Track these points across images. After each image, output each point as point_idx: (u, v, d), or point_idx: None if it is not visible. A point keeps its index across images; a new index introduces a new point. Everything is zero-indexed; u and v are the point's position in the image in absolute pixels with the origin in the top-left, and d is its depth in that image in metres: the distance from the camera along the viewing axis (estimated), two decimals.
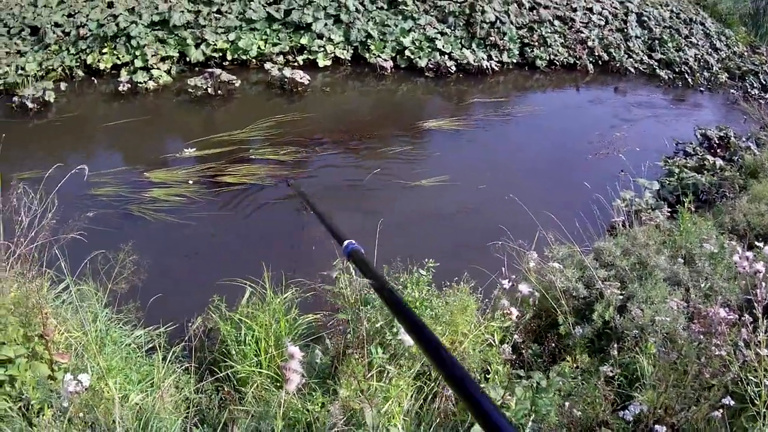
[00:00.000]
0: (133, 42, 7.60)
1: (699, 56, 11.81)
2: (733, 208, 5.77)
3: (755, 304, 2.68)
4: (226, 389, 2.85)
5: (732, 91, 11.52)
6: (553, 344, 3.38)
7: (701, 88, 11.18)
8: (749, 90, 11.90)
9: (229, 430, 2.54)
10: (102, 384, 2.54)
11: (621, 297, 3.43)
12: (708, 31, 13.42)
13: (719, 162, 7.59)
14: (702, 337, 2.77)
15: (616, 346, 3.09)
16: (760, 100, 11.81)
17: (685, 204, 4.95)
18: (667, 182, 6.87)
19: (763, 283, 2.80)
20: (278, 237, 4.97)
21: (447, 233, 5.13)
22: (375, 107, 7.62)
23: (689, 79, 11.05)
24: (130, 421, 2.40)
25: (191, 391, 2.84)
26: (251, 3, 8.22)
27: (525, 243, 3.80)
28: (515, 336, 3.32)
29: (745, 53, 13.96)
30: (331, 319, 3.08)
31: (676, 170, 7.16)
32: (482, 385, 2.72)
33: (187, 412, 2.71)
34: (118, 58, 7.62)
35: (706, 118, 9.68)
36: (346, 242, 1.72)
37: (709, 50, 12.52)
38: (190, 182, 5.61)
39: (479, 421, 0.87)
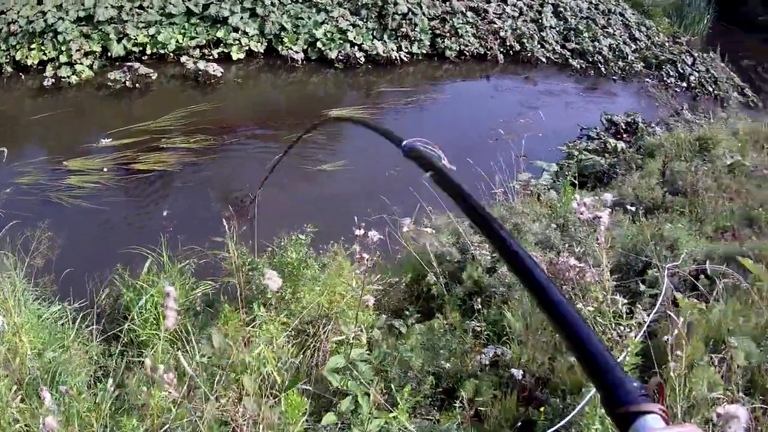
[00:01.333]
0: (60, 38, 8.11)
1: (614, 46, 12.76)
2: (622, 183, 6.45)
3: (596, 247, 3.10)
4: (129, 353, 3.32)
5: (647, 80, 12.51)
6: (430, 304, 3.80)
7: (614, 77, 12.11)
8: (665, 79, 12.89)
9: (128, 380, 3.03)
10: (17, 339, 3.03)
11: (490, 259, 3.92)
12: (627, 22, 14.43)
13: (621, 145, 8.32)
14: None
15: (479, 300, 3.55)
16: (676, 89, 12.87)
17: (568, 177, 5.76)
18: (566, 164, 7.50)
19: (602, 228, 3.00)
20: (180, 215, 5.67)
21: (339, 211, 5.87)
22: (285, 98, 8.33)
23: (603, 69, 11.97)
24: (40, 372, 2.97)
25: (97, 353, 3.32)
26: None
27: (401, 212, 4.50)
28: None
29: (666, 43, 15.03)
30: (225, 284, 3.75)
31: (576, 153, 7.85)
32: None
33: (94, 369, 3.21)
34: (45, 53, 8.14)
35: (618, 106, 10.50)
36: (403, 143, 1.84)
37: (627, 40, 13.50)
38: (105, 170, 6.24)
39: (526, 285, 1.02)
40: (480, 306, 3.52)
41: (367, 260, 3.21)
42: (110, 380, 2.56)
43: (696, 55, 14.98)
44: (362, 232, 3.35)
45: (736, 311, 3.39)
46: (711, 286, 3.70)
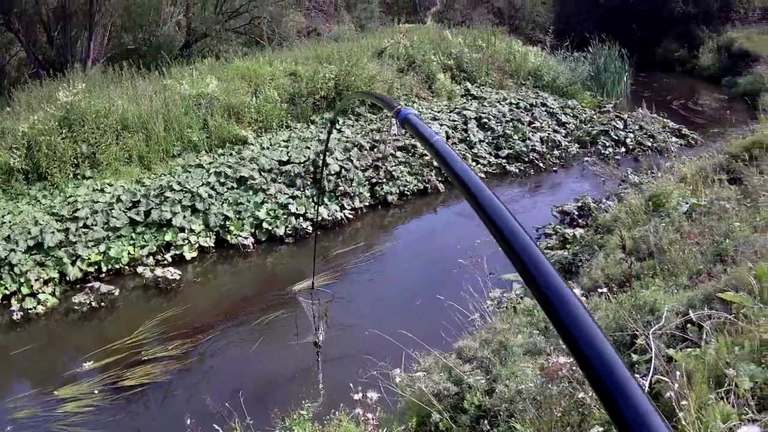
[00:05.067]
0: (16, 269, 9.25)
1: (545, 138, 14.64)
2: (590, 268, 7.21)
3: None
4: None
5: (586, 159, 14.35)
6: None
7: (554, 168, 13.92)
8: (602, 151, 14.82)
9: None
10: None
11: (485, 381, 4.39)
12: (551, 110, 16.48)
13: (579, 231, 9.59)
14: (549, 384, 3.65)
15: (486, 422, 4.00)
16: (616, 157, 14.76)
17: None
18: None
19: None
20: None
21: (332, 378, 6.97)
22: (247, 285, 9.60)
23: (540, 164, 13.78)
24: None
25: None
26: (112, 211, 10.17)
27: (390, 364, 5.42)
28: None
29: (594, 116, 17.04)
30: None
31: None
32: None
33: None
34: (6, 288, 9.20)
35: (566, 194, 12.11)
36: (401, 111, 1.93)
37: (556, 127, 15.47)
38: (96, 392, 7.32)
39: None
40: (489, 427, 3.98)
41: (371, 419, 3.78)
42: None
43: (625, 117, 16.95)
44: (360, 395, 3.92)
45: (729, 343, 3.77)
46: (700, 331, 4.11)
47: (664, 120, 17.29)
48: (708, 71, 27.67)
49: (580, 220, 10.50)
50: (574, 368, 3.52)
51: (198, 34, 20.15)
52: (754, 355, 3.67)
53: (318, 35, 22.45)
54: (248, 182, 11.04)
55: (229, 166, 11.49)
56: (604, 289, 5.49)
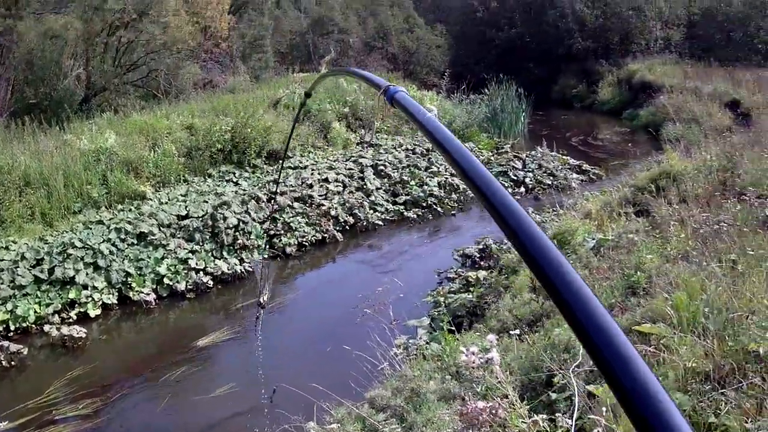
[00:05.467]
0: None
1: (443, 182, 15.80)
2: (497, 310, 7.49)
3: (497, 384, 3.70)
4: None
5: None
6: None
7: (453, 212, 14.98)
8: None
9: None
10: None
11: (401, 430, 4.55)
12: None
13: (482, 273, 10.02)
14: (470, 430, 3.67)
15: None
16: (516, 197, 15.59)
17: (444, 327, 6.62)
18: (437, 314, 8.82)
19: (497, 368, 3.59)
20: None
21: None
22: (152, 340, 10.34)
23: (438, 208, 14.85)
24: None
25: None
26: (18, 269, 10.88)
27: (302, 418, 5.85)
28: None
29: (492, 158, 18.37)
30: None
31: (442, 299, 9.31)
32: None
33: None
34: None
35: (466, 238, 12.92)
36: (389, 89, 1.92)
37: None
38: None
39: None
40: None
41: None
42: None
43: (524, 156, 18.22)
44: None
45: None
46: None
47: (564, 157, 18.53)
48: (608, 105, 29.29)
49: (482, 262, 11.05)
50: (494, 412, 3.55)
51: (97, 87, 20.84)
52: (679, 384, 3.95)
53: (214, 87, 23.43)
54: (148, 238, 11.84)
55: (129, 222, 12.20)
56: (516, 331, 5.82)
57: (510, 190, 15.90)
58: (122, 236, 11.95)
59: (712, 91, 23.08)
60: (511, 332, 5.87)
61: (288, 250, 12.58)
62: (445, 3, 45.67)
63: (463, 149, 1.45)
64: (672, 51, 34.70)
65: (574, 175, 17.41)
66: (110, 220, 12.68)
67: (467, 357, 3.66)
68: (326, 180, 14.83)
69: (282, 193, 13.56)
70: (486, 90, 23.68)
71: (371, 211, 14.16)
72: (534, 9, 35.87)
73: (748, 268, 5.55)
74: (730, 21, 34.08)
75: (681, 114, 20.35)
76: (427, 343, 7.66)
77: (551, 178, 17.01)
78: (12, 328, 10.38)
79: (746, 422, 3.52)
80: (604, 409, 3.36)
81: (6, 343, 9.77)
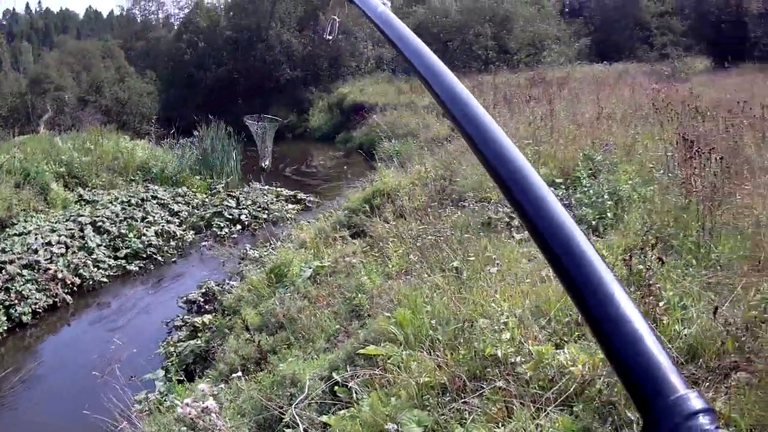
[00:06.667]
0: None
1: (160, 230, 16.73)
2: (224, 352, 7.53)
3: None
4: None
5: (203, 244, 16.17)
6: None
7: (174, 260, 15.84)
8: (219, 233, 16.84)
9: None
10: None
11: None
12: (163, 201, 18.66)
13: (207, 317, 10.00)
14: None
15: None
16: (234, 236, 16.77)
17: (173, 378, 6.98)
18: (170, 364, 8.78)
19: (214, 416, 3.80)
20: None
21: None
22: None
23: (159, 257, 15.71)
24: None
25: None
26: None
27: None
28: None
29: (206, 200, 19.37)
30: None
31: (172, 348, 9.28)
32: None
33: None
34: None
35: (190, 283, 13.19)
36: None
37: (169, 218, 17.60)
38: None
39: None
40: None
41: None
42: None
43: (237, 194, 19.21)
44: None
45: (384, 396, 4.13)
46: (351, 392, 4.48)
47: (278, 189, 19.60)
48: (320, 131, 30.63)
49: (207, 306, 11.19)
50: None
51: None
52: (414, 402, 3.97)
53: None
54: None
55: None
56: (239, 372, 5.87)
57: (227, 229, 16.92)
58: None
59: (428, 103, 24.00)
60: (238, 374, 5.90)
61: (24, 319, 12.61)
62: (155, 48, 45.88)
63: (419, 45, 1.32)
64: (384, 69, 37.05)
65: (290, 206, 18.37)
66: None
67: (183, 410, 3.85)
68: (50, 243, 15.11)
69: (11, 262, 13.88)
70: (196, 132, 24.09)
71: (95, 269, 14.56)
72: (242, 45, 37.18)
73: (474, 273, 5.72)
74: (447, 31, 36.32)
75: (396, 130, 21.35)
76: (164, 395, 7.42)
77: (266, 211, 17.91)
78: None
79: (497, 427, 3.59)
80: None
81: None
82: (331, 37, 2.19)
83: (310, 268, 8.43)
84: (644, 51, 44.71)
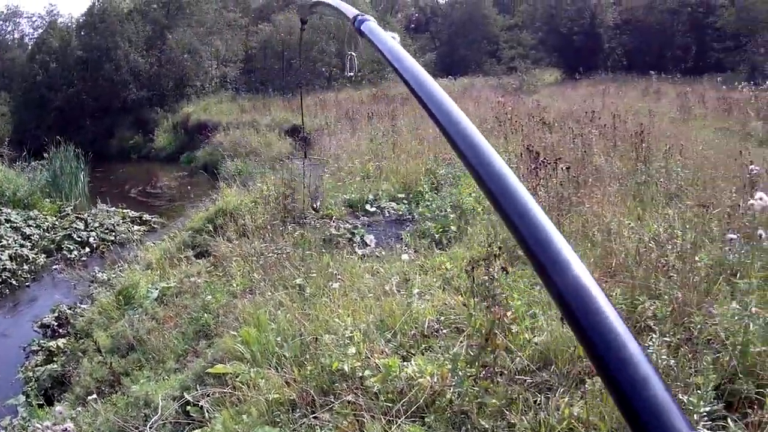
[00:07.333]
0: None
1: (14, 254, 16.19)
2: (79, 376, 7.40)
3: None
4: None
5: (54, 267, 15.66)
6: None
7: (27, 284, 15.20)
8: (68, 256, 16.30)
9: None
10: None
11: None
12: (16, 225, 18.16)
13: (61, 341, 9.70)
14: None
15: None
16: (83, 258, 16.15)
17: (33, 402, 6.86)
18: (30, 389, 8.36)
19: None
20: None
21: None
22: None
23: (14, 282, 15.02)
24: None
25: None
26: None
27: None
28: None
29: (56, 222, 18.82)
30: None
31: (30, 373, 8.90)
32: None
33: None
34: None
35: (44, 308, 12.55)
36: (357, 18, 1.80)
37: (22, 242, 17.11)
38: None
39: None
40: None
41: None
42: None
43: (85, 216, 18.64)
44: None
45: (234, 414, 4.17)
46: (203, 411, 4.45)
47: (124, 211, 19.14)
48: (165, 152, 29.74)
49: (60, 330, 10.77)
50: None
51: None
52: (266, 418, 3.94)
53: None
54: None
55: None
56: (95, 395, 5.80)
57: (76, 252, 16.54)
58: None
59: (270, 121, 24.42)
60: (93, 396, 5.81)
61: None
62: (10, 69, 44.11)
63: (422, 75, 1.31)
64: (228, 88, 36.90)
65: (136, 227, 18.07)
66: None
67: None
68: None
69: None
70: (46, 154, 23.45)
71: None
72: (91, 65, 36.03)
73: (317, 289, 5.73)
74: (292, 49, 36.20)
75: (239, 149, 21.35)
76: (27, 420, 7.12)
77: (113, 234, 17.55)
78: None
79: None
80: None
81: None
82: (352, 74, 2.40)
83: (157, 289, 8.44)
84: (491, 65, 47.01)
